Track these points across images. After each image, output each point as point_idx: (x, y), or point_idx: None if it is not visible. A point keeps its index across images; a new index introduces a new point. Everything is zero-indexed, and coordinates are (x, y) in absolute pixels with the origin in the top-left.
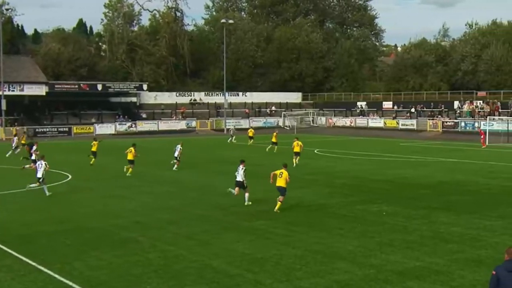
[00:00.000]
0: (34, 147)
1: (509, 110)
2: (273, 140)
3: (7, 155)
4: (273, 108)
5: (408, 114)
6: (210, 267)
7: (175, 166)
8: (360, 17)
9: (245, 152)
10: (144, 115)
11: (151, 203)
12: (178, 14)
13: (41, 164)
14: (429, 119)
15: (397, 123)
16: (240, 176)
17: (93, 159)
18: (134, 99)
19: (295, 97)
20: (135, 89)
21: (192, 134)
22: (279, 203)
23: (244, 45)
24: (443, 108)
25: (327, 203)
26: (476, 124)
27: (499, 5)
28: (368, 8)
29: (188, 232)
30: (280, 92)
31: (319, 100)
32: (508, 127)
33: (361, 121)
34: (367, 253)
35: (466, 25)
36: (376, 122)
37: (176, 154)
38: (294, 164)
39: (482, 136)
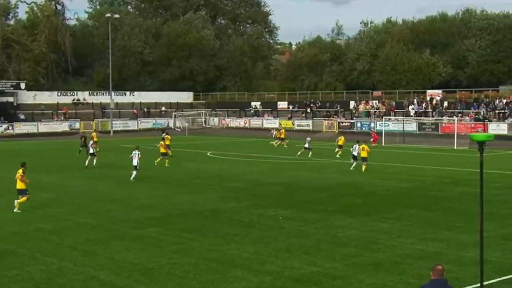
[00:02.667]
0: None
1: (404, 110)
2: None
3: None
4: (163, 108)
5: (304, 115)
6: (96, 280)
7: (134, 174)
8: (253, 14)
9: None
10: (22, 116)
11: (29, 211)
12: (59, 7)
13: None
14: (325, 120)
15: (293, 124)
16: (135, 161)
17: None
18: (10, 99)
19: (186, 96)
20: (12, 88)
21: (77, 136)
22: None
23: (132, 41)
24: (339, 108)
25: (220, 208)
26: (372, 125)
27: (394, 3)
28: (262, 4)
29: (71, 241)
30: (170, 92)
31: (211, 100)
32: (403, 127)
33: (255, 122)
34: (263, 259)
35: (361, 23)
36: (271, 122)
37: (135, 162)
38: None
39: (373, 137)
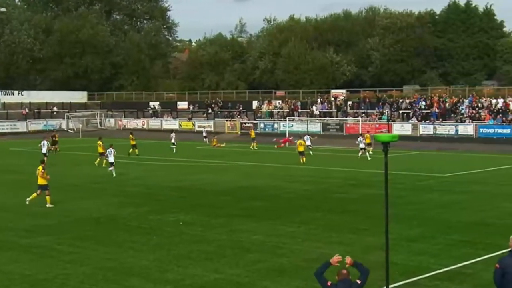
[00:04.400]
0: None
1: (308, 110)
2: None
3: None
4: (55, 108)
5: (205, 115)
6: None
7: (113, 170)
8: (150, 9)
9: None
10: None
11: None
12: None
13: None
14: (227, 120)
15: (193, 125)
16: (111, 158)
17: None
18: None
19: (79, 96)
20: None
21: None
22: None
23: (21, 36)
24: (241, 108)
25: (117, 214)
26: (276, 125)
27: (297, 0)
28: (160, 0)
29: None
30: (62, 91)
31: (107, 99)
32: (307, 128)
33: (154, 123)
34: (163, 267)
35: (264, 20)
36: (170, 123)
37: (111, 160)
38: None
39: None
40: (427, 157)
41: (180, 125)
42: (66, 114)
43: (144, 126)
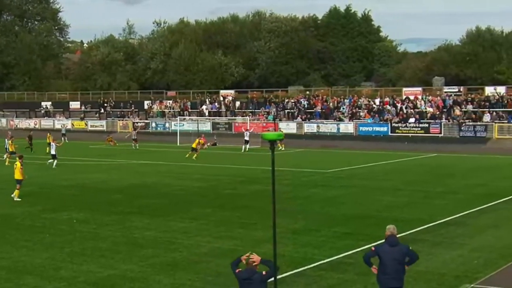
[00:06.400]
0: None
1: (199, 110)
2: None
3: None
4: None
5: (97, 115)
6: None
7: (55, 163)
8: (41, 10)
9: None
10: None
11: None
12: None
13: None
14: (119, 120)
15: (86, 124)
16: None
17: None
18: None
19: None
20: None
21: None
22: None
23: None
24: (133, 108)
25: (10, 213)
26: (167, 125)
27: (186, 4)
28: (51, 1)
29: None
30: None
31: None
32: (198, 127)
33: (46, 123)
34: (57, 265)
35: (154, 23)
36: (63, 123)
37: (53, 152)
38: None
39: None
40: (311, 154)
41: (72, 124)
42: None
43: (37, 126)
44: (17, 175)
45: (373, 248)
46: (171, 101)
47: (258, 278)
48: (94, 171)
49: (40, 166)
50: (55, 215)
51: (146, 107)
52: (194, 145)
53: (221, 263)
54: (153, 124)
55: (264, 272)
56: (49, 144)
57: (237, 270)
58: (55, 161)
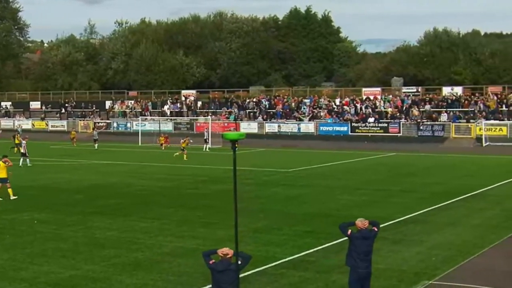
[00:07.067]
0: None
1: (160, 110)
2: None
3: None
4: None
5: (58, 115)
6: None
7: (27, 161)
8: (1, 10)
9: None
10: None
11: None
12: None
13: None
14: (80, 120)
15: (47, 125)
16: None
17: None
18: None
19: None
20: None
21: None
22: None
23: None
24: (94, 108)
25: None
26: (129, 124)
27: (147, 4)
28: (10, 0)
29: None
30: None
31: None
32: (159, 127)
33: (6, 123)
34: (17, 266)
35: (115, 23)
36: (23, 123)
37: (23, 150)
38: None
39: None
40: (272, 154)
41: (33, 124)
42: None
43: None
44: (1, 174)
45: (349, 232)
46: (132, 101)
47: (234, 268)
48: (55, 172)
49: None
50: (16, 215)
51: (107, 107)
52: (183, 145)
53: (183, 263)
54: (115, 124)
55: (239, 262)
56: (19, 144)
57: (211, 262)
58: (28, 158)
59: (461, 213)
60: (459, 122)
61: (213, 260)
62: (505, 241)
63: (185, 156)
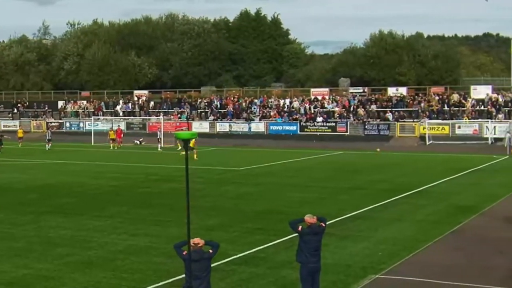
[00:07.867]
0: None
1: (113, 110)
2: None
3: None
4: None
5: (10, 115)
6: None
7: None
8: None
9: None
10: None
11: None
12: None
13: None
14: (33, 120)
15: None
16: None
17: None
18: None
19: None
20: None
21: None
22: None
23: None
24: (47, 108)
25: None
26: (81, 124)
27: (99, 5)
28: None
29: None
30: None
31: None
32: (112, 126)
33: None
34: None
35: (67, 24)
36: None
37: None
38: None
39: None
40: (223, 153)
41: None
42: None
43: None
44: None
45: (300, 228)
46: (85, 102)
47: (207, 257)
48: (8, 171)
49: None
50: None
51: (60, 107)
52: (191, 144)
53: (137, 260)
54: (67, 124)
55: (210, 251)
56: None
57: (184, 253)
58: None
59: (406, 209)
60: (404, 121)
61: (185, 252)
62: (446, 236)
63: (195, 155)
